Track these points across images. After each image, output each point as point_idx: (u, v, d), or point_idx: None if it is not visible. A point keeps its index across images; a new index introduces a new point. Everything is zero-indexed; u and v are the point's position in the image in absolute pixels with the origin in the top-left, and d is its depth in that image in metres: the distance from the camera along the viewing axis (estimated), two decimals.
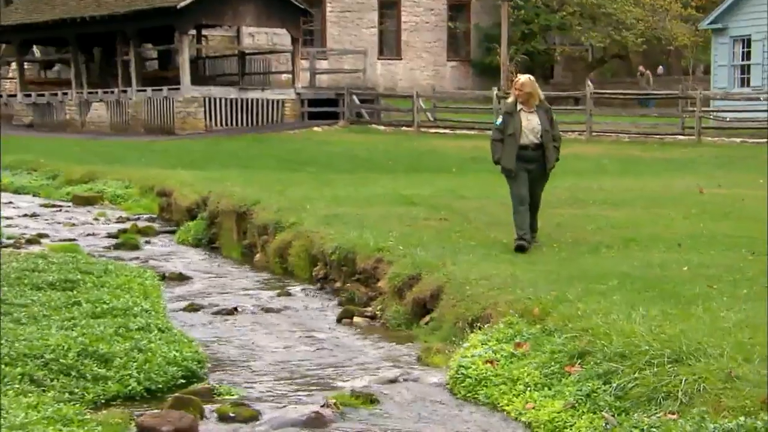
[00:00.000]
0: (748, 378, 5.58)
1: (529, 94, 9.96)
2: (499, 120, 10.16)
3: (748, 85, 30.80)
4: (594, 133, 28.59)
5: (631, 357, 6.24)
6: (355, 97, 33.27)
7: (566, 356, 6.73)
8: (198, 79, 33.13)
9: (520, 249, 9.97)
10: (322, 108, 32.91)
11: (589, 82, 31.40)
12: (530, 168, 10.09)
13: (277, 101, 32.77)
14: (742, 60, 31.45)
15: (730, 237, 10.72)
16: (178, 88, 31.37)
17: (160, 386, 7.06)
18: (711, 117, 29.53)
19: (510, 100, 10.25)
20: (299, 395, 7.03)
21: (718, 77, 31.99)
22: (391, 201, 14.52)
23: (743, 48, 31.53)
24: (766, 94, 27.71)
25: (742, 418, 5.13)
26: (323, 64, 37.66)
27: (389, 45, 42.05)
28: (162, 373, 7.18)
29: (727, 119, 28.68)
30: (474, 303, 8.33)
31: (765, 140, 26.15)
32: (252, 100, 32.27)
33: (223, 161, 22.74)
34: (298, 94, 33.17)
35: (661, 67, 49.79)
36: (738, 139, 26.85)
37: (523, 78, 10.11)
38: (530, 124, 9.97)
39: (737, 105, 29.28)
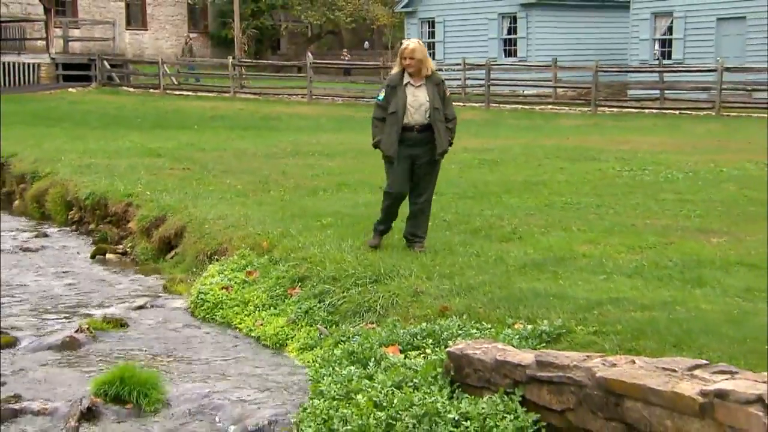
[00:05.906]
0: (430, 292, 5.90)
1: (420, 62, 6.77)
2: (381, 94, 6.94)
3: (434, 59, 32.24)
4: (314, 96, 28.84)
5: (341, 279, 6.43)
6: (105, 62, 31.56)
7: (289, 281, 6.83)
8: None
9: (374, 245, 7.11)
10: (76, 71, 30.99)
11: (309, 54, 31.71)
12: (415, 153, 6.87)
13: (33, 64, 30.44)
14: (429, 38, 33.01)
15: None
16: None
17: None
18: None
19: (395, 70, 6.97)
20: (56, 323, 6.71)
21: None
22: (138, 153, 14.09)
23: (429, 28, 33.25)
24: (450, 67, 29.02)
25: (424, 324, 5.41)
26: (75, 33, 35.28)
27: (136, 17, 40.07)
28: None
29: None
30: (212, 239, 8.27)
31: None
32: (8, 63, 29.79)
33: None
34: (52, 58, 30.96)
35: (366, 42, 51.05)
36: None
37: (413, 43, 6.83)
38: (417, 101, 6.82)
39: None
